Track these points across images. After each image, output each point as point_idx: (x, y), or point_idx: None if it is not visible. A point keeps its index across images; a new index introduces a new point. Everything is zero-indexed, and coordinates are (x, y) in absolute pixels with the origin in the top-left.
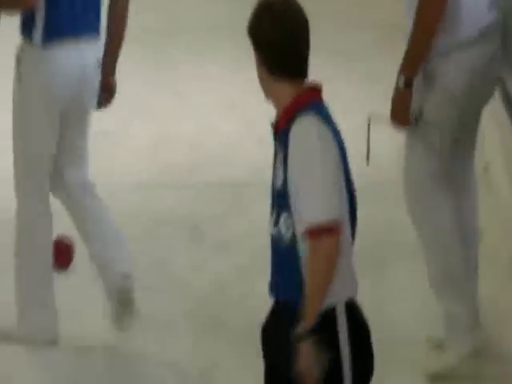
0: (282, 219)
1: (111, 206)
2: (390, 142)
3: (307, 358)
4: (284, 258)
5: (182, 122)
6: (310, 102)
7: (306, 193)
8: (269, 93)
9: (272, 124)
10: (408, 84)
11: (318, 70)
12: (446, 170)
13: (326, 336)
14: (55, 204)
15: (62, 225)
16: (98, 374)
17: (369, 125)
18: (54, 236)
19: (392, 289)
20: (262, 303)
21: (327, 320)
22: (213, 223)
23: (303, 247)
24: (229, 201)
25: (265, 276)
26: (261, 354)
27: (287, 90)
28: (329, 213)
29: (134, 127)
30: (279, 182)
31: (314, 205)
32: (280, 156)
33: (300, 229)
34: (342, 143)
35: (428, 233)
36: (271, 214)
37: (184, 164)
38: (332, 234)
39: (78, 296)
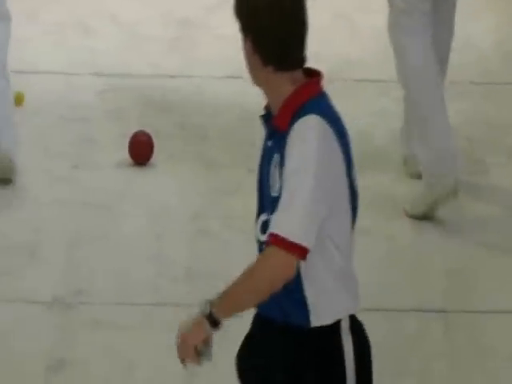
0: None
1: (198, 99)
2: None
3: (196, 331)
4: None
5: None
6: (313, 97)
7: (289, 202)
8: (261, 84)
9: (264, 116)
10: None
11: None
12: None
13: (329, 356)
14: None
15: None
16: None
17: None
18: (133, 131)
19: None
20: None
21: (330, 339)
22: None
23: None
24: None
25: None
26: None
27: (286, 84)
28: (306, 237)
29: (220, 16)
30: (275, 191)
31: (292, 219)
32: (277, 159)
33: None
34: (347, 143)
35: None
36: (259, 219)
37: None
38: (295, 257)
39: (157, 191)
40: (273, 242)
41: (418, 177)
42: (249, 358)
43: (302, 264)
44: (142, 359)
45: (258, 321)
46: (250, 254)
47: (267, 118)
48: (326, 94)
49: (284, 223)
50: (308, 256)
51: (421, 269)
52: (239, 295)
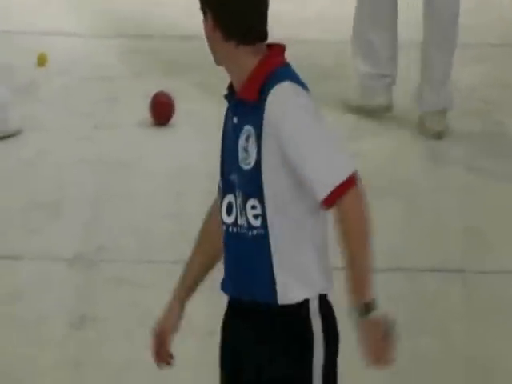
0: (248, 206)
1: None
2: None
3: (379, 329)
4: (252, 251)
5: None
6: (278, 67)
7: (319, 158)
8: (224, 60)
9: (228, 95)
10: None
11: None
12: None
13: (296, 336)
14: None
15: None
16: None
17: None
18: (154, 92)
19: None
20: None
21: (298, 318)
22: (319, 78)
23: (279, 234)
24: (333, 57)
25: None
26: None
27: (250, 57)
28: (347, 166)
29: None
30: (249, 164)
31: (329, 166)
32: (249, 131)
33: (318, 198)
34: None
35: None
36: (223, 201)
37: (291, 21)
38: (357, 184)
39: (177, 150)
40: (336, 197)
41: (434, 136)
42: (225, 340)
43: (273, 240)
44: None
45: (228, 303)
46: None
47: (231, 96)
48: (290, 65)
49: (328, 176)
50: (282, 231)
51: (439, 229)
52: (368, 264)
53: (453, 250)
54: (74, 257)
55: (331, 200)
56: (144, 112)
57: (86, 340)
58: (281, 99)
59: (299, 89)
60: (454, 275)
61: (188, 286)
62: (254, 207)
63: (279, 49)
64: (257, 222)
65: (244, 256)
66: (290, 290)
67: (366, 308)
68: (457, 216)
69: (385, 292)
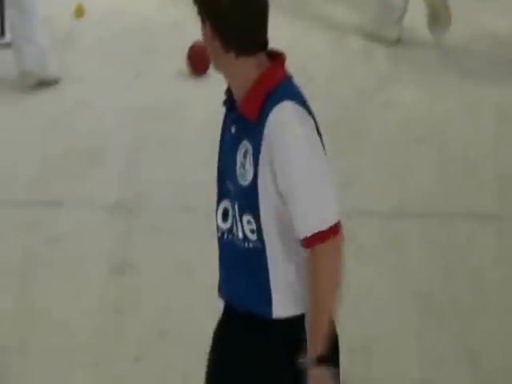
0: (244, 220)
1: None
2: None
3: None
4: (247, 263)
5: None
6: (280, 82)
7: (306, 197)
8: (224, 69)
9: (226, 101)
10: None
11: None
12: None
13: (290, 346)
14: None
15: None
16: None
17: None
18: (191, 42)
19: None
20: None
21: (293, 328)
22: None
23: (277, 252)
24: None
25: None
26: None
27: (250, 69)
28: (331, 215)
29: None
30: (246, 180)
31: (315, 209)
32: (247, 148)
33: (297, 236)
34: (317, 124)
35: None
36: (219, 206)
37: None
38: (339, 235)
39: (214, 99)
40: (315, 242)
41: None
42: (216, 344)
43: (269, 254)
44: (200, 262)
45: (224, 307)
46: None
47: (230, 103)
48: (291, 77)
49: (311, 218)
50: (279, 247)
51: (473, 175)
52: (328, 318)
53: (488, 195)
54: (114, 204)
55: (309, 244)
56: (181, 62)
57: (124, 285)
58: (280, 124)
59: (300, 111)
60: (489, 221)
61: None
62: (249, 222)
63: (280, 59)
64: (253, 236)
65: (239, 267)
66: (285, 305)
67: (318, 359)
68: (491, 163)
69: (420, 236)
